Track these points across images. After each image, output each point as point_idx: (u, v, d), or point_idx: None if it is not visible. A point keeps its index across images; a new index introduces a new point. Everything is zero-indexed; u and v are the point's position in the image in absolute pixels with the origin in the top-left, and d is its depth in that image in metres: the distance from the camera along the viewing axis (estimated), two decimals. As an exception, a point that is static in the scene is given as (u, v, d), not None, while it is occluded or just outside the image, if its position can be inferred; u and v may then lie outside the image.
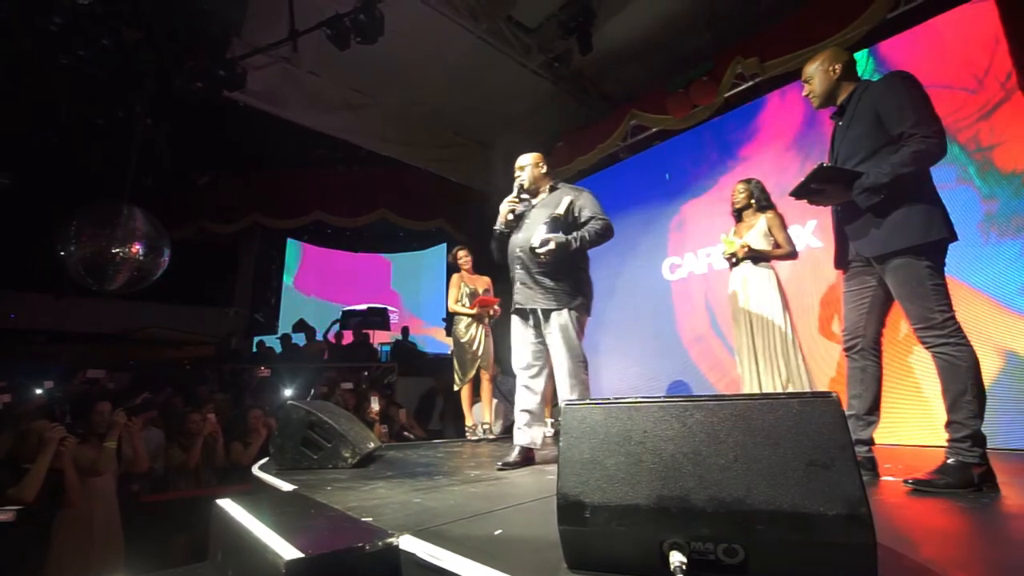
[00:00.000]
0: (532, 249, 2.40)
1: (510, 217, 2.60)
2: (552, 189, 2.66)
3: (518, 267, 2.55)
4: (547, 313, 2.46)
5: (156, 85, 5.08)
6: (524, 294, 2.53)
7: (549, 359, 2.51)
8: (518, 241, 2.55)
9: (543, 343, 2.52)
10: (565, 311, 2.44)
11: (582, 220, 2.49)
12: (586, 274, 2.60)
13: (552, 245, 2.34)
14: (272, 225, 7.96)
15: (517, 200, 2.60)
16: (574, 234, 2.43)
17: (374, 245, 10.80)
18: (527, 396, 2.53)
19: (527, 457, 2.45)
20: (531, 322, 2.55)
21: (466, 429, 4.12)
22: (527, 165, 2.68)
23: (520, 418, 2.51)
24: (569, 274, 2.49)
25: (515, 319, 2.61)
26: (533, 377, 2.54)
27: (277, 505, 1.69)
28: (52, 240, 4.88)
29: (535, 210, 2.59)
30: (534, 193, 2.67)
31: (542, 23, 4.90)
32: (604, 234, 2.48)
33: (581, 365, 2.45)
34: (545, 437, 2.68)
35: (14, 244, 6.67)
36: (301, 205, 7.65)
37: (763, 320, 3.01)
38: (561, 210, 2.48)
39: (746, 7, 4.55)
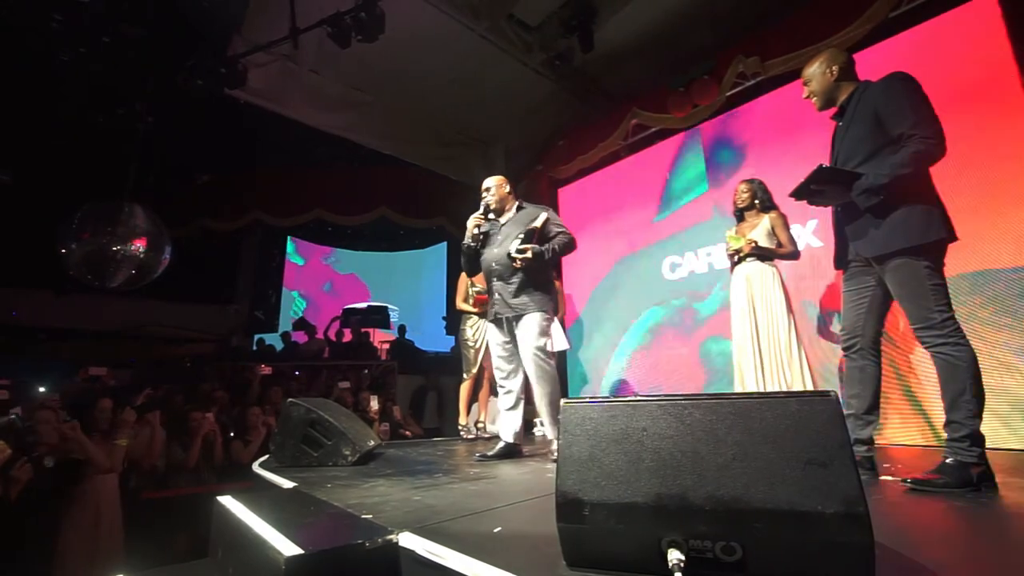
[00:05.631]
0: (509, 255, 2.65)
1: (476, 232, 2.84)
2: (519, 208, 2.90)
3: (495, 279, 2.80)
4: (519, 318, 2.70)
5: (157, 82, 5.08)
6: (501, 304, 2.76)
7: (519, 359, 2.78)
8: (492, 256, 2.80)
9: (515, 346, 2.76)
10: (536, 314, 2.67)
11: (551, 235, 2.75)
12: (553, 284, 2.89)
13: (529, 253, 2.60)
14: (273, 223, 7.96)
15: (483, 218, 2.85)
16: (546, 245, 2.69)
17: (374, 243, 10.82)
18: (506, 396, 2.81)
19: (509, 451, 2.70)
20: (505, 328, 2.79)
21: (460, 428, 4.06)
22: (493, 186, 2.92)
23: (502, 416, 2.81)
24: (541, 284, 2.73)
25: (491, 327, 2.86)
26: (508, 378, 2.80)
27: (277, 502, 1.69)
28: (54, 237, 4.89)
29: (505, 226, 2.84)
30: (500, 212, 2.92)
31: (543, 21, 4.89)
32: (570, 245, 2.78)
33: (549, 361, 2.67)
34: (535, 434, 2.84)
35: (16, 241, 6.67)
36: (302, 203, 7.65)
37: (767, 318, 3.01)
38: (538, 223, 2.72)
39: (748, 5, 4.54)
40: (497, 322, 2.80)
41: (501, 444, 2.71)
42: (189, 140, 6.59)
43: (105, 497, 3.10)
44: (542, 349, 2.64)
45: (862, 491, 0.77)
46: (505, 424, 2.76)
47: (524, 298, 2.68)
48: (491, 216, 2.88)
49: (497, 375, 2.85)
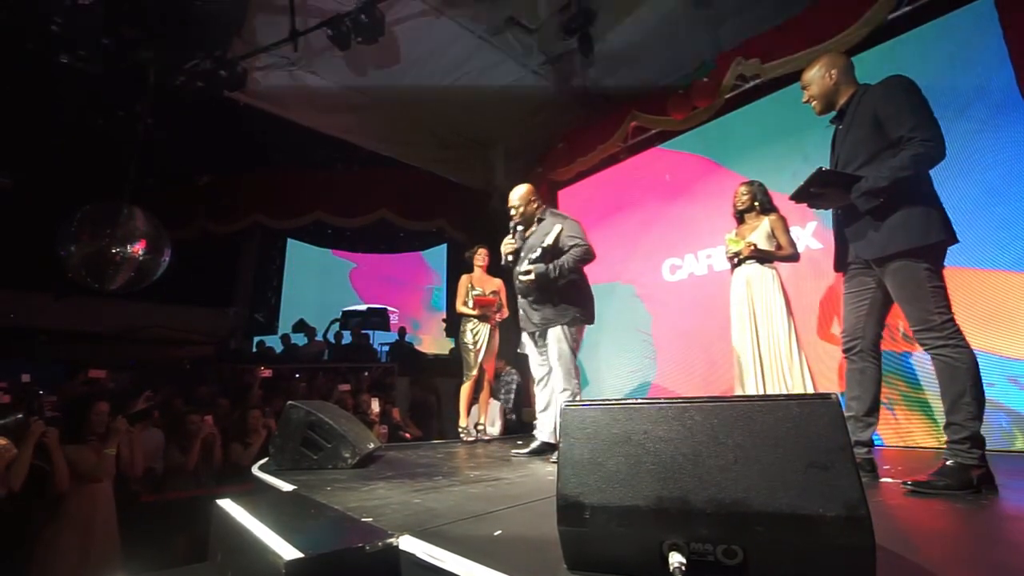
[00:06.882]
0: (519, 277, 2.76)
1: (510, 258, 2.92)
2: (539, 220, 2.93)
3: (519, 296, 2.92)
4: (543, 330, 2.82)
5: (157, 85, 5.07)
6: (525, 319, 2.91)
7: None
8: (516, 274, 2.89)
9: (545, 357, 2.89)
10: (557, 328, 2.74)
11: (566, 248, 2.75)
12: (581, 289, 2.86)
13: (532, 276, 2.66)
14: (272, 225, 7.96)
15: (513, 240, 2.92)
16: (554, 263, 2.69)
17: (374, 245, 10.81)
18: (539, 399, 2.98)
19: (541, 449, 2.83)
20: (535, 340, 2.94)
21: (460, 430, 4.05)
22: (520, 204, 2.93)
23: (538, 417, 2.97)
24: (560, 294, 2.76)
25: (525, 337, 3.01)
26: (538, 385, 2.97)
27: (277, 505, 1.69)
28: (53, 240, 4.87)
29: (528, 241, 2.91)
30: (528, 225, 2.98)
31: (543, 24, 4.90)
32: (583, 259, 2.74)
33: (571, 372, 2.73)
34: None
35: (14, 243, 6.66)
36: (302, 205, 7.65)
37: (767, 321, 3.01)
38: (550, 240, 2.72)
39: (748, 8, 4.55)
40: (529, 335, 2.97)
41: (536, 442, 2.88)
42: (189, 142, 6.59)
43: (100, 504, 3.07)
44: (567, 362, 2.72)
45: (863, 494, 0.77)
46: (539, 424, 2.94)
47: (543, 314, 2.79)
48: (519, 231, 2.97)
49: (536, 385, 3.02)
